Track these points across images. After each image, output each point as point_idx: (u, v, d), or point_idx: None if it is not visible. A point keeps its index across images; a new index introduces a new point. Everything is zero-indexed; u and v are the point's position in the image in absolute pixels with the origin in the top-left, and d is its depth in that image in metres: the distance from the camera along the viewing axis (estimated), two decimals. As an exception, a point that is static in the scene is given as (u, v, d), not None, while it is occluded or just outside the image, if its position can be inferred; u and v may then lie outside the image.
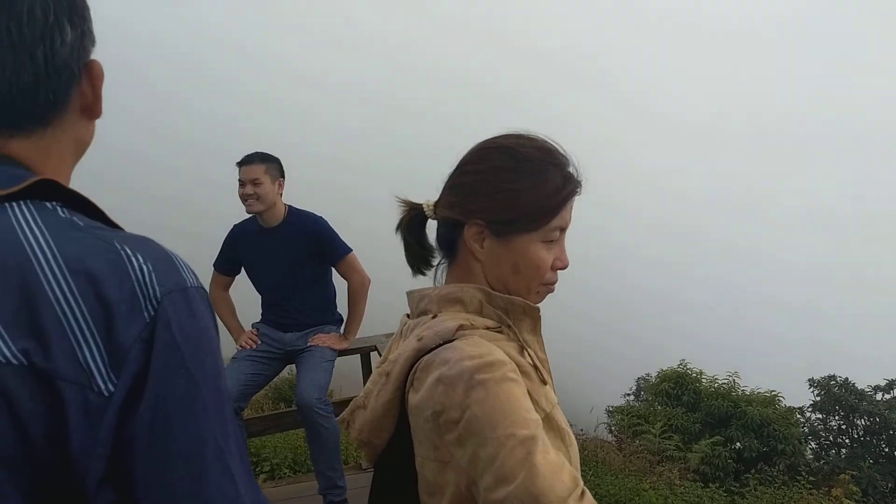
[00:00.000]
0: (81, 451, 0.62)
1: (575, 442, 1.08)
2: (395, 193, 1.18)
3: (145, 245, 0.70)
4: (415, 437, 1.01)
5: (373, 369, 3.76)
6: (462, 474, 0.93)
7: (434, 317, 1.07)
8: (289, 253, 3.35)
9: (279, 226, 3.35)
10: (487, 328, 1.05)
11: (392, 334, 3.74)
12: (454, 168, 1.14)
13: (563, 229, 1.10)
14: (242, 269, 3.53)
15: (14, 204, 0.69)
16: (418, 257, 1.18)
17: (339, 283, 3.53)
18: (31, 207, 0.70)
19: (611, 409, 11.92)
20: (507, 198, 1.07)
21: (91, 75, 0.78)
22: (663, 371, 12.49)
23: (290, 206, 3.40)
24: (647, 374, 13.69)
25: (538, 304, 1.10)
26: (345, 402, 3.71)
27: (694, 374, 12.08)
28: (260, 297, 3.59)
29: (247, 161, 3.25)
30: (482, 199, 1.08)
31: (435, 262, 1.17)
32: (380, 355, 3.58)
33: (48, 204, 0.71)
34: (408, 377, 1.02)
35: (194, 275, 0.73)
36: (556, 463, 0.88)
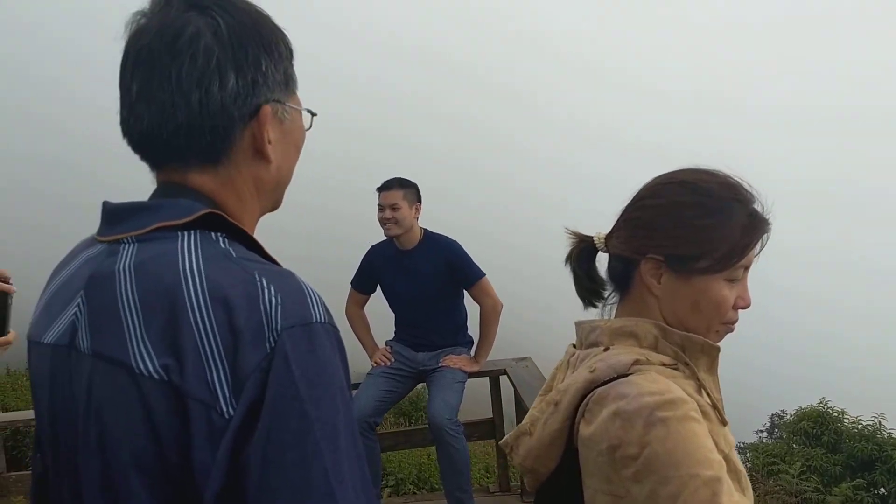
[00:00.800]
0: (201, 467, 0.66)
1: (750, 485, 1.04)
2: (567, 225, 1.18)
3: (282, 278, 0.72)
4: (585, 469, 1.01)
5: (502, 393, 3.80)
6: None
7: (606, 349, 1.06)
8: (423, 275, 3.45)
9: (415, 249, 3.46)
10: (663, 364, 1.03)
11: (523, 359, 3.76)
12: (629, 202, 1.13)
13: (746, 268, 1.07)
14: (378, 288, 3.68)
15: (186, 232, 0.75)
16: (589, 290, 1.17)
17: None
18: (198, 237, 0.75)
19: (742, 445, 11.29)
20: (689, 235, 1.04)
21: (258, 120, 0.80)
22: (802, 409, 11.74)
23: (425, 230, 3.51)
24: (783, 411, 12.90)
25: (718, 343, 1.08)
26: (474, 424, 3.75)
27: (835, 414, 11.25)
28: (393, 315, 3.72)
29: (386, 187, 3.39)
30: (661, 235, 1.06)
31: (606, 295, 1.16)
32: (510, 380, 3.61)
33: (213, 234, 0.76)
34: (578, 408, 1.01)
35: (325, 311, 0.73)
36: None
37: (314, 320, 0.70)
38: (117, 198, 0.82)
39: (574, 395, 1.02)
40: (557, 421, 1.04)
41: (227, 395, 0.66)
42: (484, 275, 3.45)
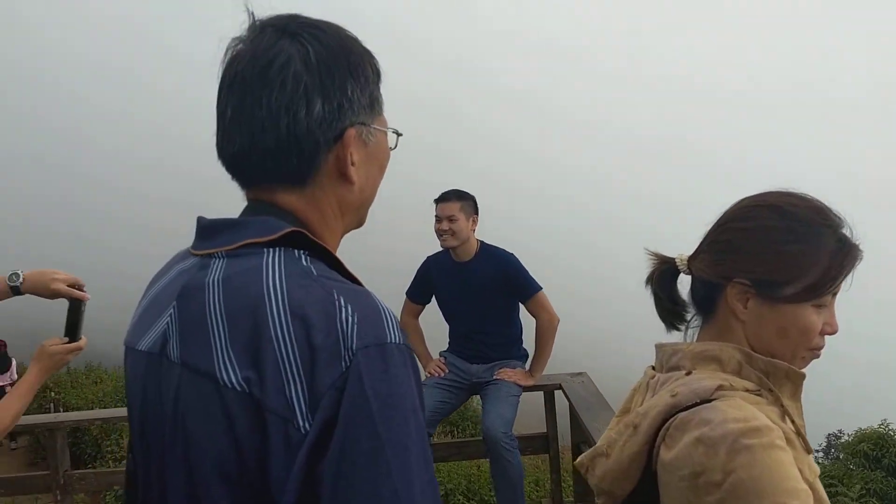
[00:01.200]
0: (278, 479, 0.67)
1: None
2: (646, 247, 1.18)
3: (359, 298, 0.73)
4: (664, 493, 1.00)
5: (556, 408, 3.77)
6: None
7: (688, 373, 1.06)
8: (479, 287, 3.45)
9: (471, 261, 3.47)
10: (747, 390, 1.02)
11: (579, 374, 3.72)
12: (714, 224, 1.12)
13: (835, 294, 1.05)
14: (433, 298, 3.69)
15: (272, 249, 0.77)
16: (670, 312, 1.17)
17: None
18: (282, 254, 0.77)
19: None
20: (778, 260, 1.03)
21: (343, 143, 0.82)
22: (862, 431, 11.36)
23: (481, 242, 3.51)
24: (840, 431, 12.49)
25: (803, 370, 1.06)
26: (527, 438, 3.73)
27: (896, 437, 10.88)
28: (448, 326, 3.73)
29: (444, 198, 3.41)
30: (748, 260, 1.05)
31: (688, 318, 1.16)
32: (565, 395, 3.57)
33: (296, 252, 0.78)
34: (658, 432, 1.01)
35: (400, 332, 0.73)
36: None
37: (389, 341, 0.71)
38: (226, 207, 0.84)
39: (655, 418, 1.01)
40: (636, 444, 1.04)
41: (304, 410, 0.67)
42: (541, 288, 3.43)
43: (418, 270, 3.70)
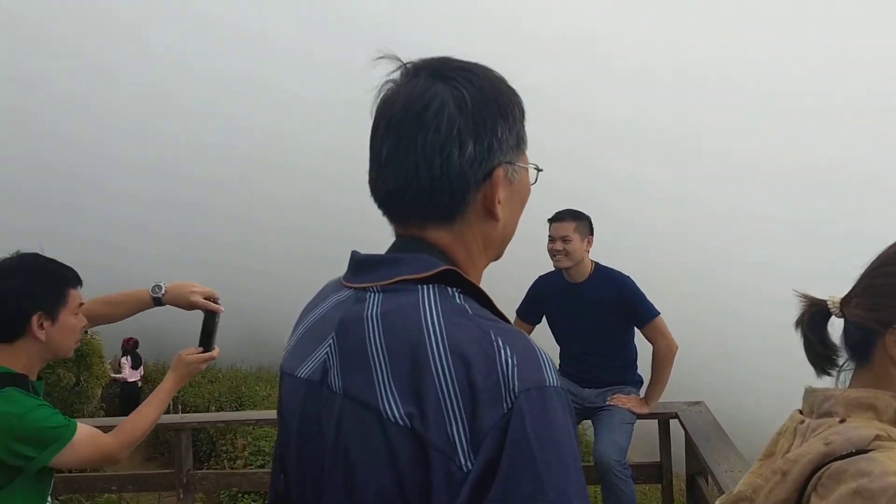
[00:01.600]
0: None
1: None
2: (795, 288, 1.15)
3: (516, 339, 0.75)
4: None
5: (671, 437, 3.63)
6: None
7: (842, 421, 1.02)
8: (592, 309, 3.37)
9: (585, 282, 3.40)
10: None
11: (696, 403, 3.57)
12: (868, 268, 1.08)
13: None
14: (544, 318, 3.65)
15: (426, 286, 0.80)
16: (821, 356, 1.13)
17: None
18: (436, 291, 0.80)
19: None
20: None
21: (492, 182, 0.84)
22: None
23: (596, 263, 3.45)
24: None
25: None
26: (639, 467, 3.62)
27: None
28: (559, 348, 3.67)
29: (558, 218, 3.37)
30: None
31: (840, 363, 1.12)
32: (681, 424, 3.44)
33: (449, 289, 0.81)
34: (809, 480, 0.98)
35: (556, 375, 0.75)
36: None
37: (548, 384, 0.72)
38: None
39: (806, 466, 0.99)
40: (785, 491, 1.01)
41: (466, 448, 0.69)
42: (659, 313, 3.33)
43: (529, 290, 3.67)
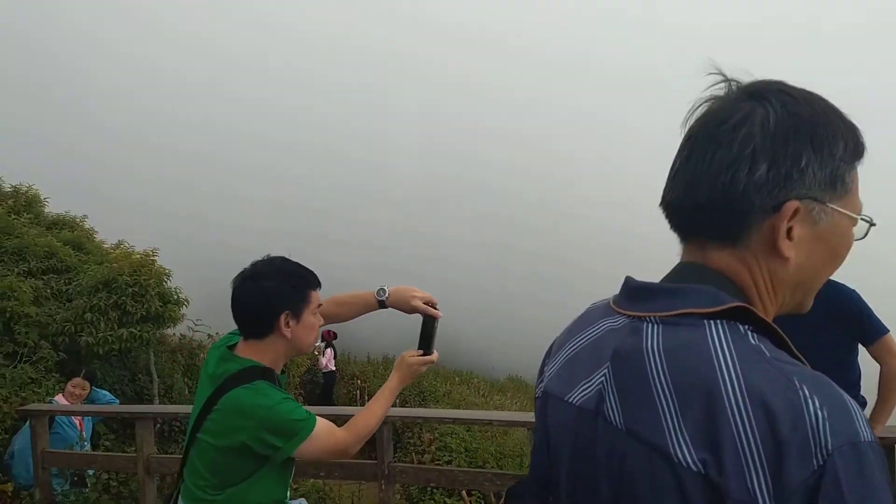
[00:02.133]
0: None
1: None
2: None
3: (823, 387, 0.70)
4: None
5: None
6: None
7: None
8: (809, 323, 3.11)
9: None
10: None
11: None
12: None
13: None
14: None
15: (713, 322, 0.76)
16: None
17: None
18: (725, 328, 0.76)
19: None
20: None
21: (780, 214, 0.78)
22: None
23: None
24: None
25: None
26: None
27: None
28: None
29: None
30: None
31: None
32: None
33: (741, 327, 0.76)
34: None
35: (869, 428, 0.69)
36: None
37: (861, 439, 0.68)
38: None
39: None
40: None
41: (768, 502, 0.67)
42: (888, 331, 3.02)
43: None
